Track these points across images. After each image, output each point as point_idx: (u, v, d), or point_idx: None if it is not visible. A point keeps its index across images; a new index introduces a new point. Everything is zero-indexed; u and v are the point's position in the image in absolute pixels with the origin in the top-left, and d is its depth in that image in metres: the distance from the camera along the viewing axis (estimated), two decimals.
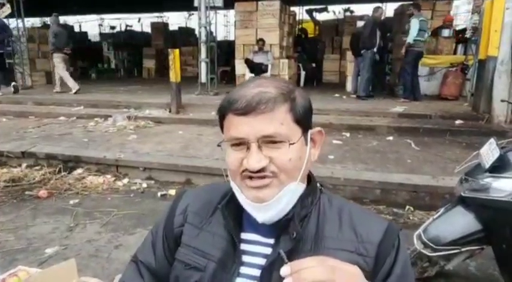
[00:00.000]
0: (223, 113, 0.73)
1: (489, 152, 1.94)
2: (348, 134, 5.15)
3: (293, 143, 0.69)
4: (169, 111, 6.41)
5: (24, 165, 4.27)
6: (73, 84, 8.26)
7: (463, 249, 1.97)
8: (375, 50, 7.14)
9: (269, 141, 0.68)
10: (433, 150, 4.43)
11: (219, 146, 0.75)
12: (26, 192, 3.61)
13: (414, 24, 6.60)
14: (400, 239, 0.75)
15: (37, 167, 4.22)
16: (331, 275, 0.51)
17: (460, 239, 1.94)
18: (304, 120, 0.73)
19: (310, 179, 0.80)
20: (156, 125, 5.92)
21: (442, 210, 2.14)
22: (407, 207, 3.27)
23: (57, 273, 1.59)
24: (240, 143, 0.70)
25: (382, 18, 7.61)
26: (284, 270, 0.52)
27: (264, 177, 0.69)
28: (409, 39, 6.64)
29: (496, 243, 1.92)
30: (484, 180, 1.92)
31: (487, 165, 1.90)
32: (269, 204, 0.70)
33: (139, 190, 3.74)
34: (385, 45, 8.17)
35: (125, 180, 3.93)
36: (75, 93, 8.18)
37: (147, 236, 0.90)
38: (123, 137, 5.15)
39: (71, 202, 3.41)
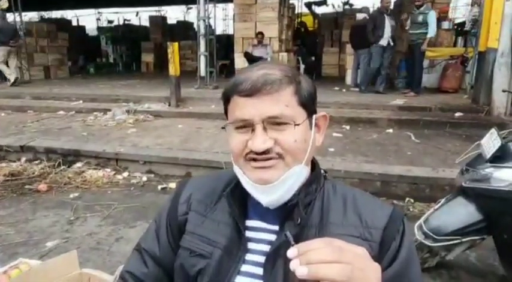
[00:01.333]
0: (228, 96, 0.72)
1: (490, 142, 1.94)
2: (348, 127, 5.14)
3: (298, 124, 0.69)
4: (169, 105, 6.38)
5: (23, 159, 4.26)
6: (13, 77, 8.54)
7: (463, 240, 1.97)
8: (383, 43, 6.73)
9: (274, 122, 0.68)
10: (433, 142, 4.43)
11: (223, 128, 0.74)
12: (26, 186, 3.60)
13: (434, 17, 6.38)
14: (405, 223, 0.75)
15: (36, 161, 4.21)
16: (338, 255, 0.50)
17: (461, 229, 1.94)
18: (308, 104, 0.72)
19: (314, 166, 0.80)
20: (155, 118, 5.90)
21: (443, 200, 2.14)
22: (407, 199, 3.27)
23: (58, 265, 1.59)
24: (245, 125, 0.69)
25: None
26: (291, 251, 0.51)
27: (269, 158, 0.69)
28: (432, 33, 6.38)
29: (496, 233, 1.92)
30: (485, 170, 1.92)
31: (488, 156, 1.90)
32: (274, 186, 0.69)
33: (139, 184, 3.73)
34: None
35: (125, 174, 3.92)
36: (11, 85, 8.39)
37: (151, 224, 0.89)
38: (122, 130, 5.14)
39: (71, 196, 3.41)
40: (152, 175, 3.93)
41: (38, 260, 2.24)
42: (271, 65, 0.72)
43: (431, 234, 1.98)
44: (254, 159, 0.69)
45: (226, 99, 0.73)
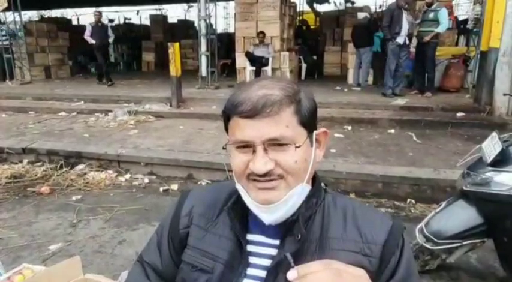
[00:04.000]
0: (228, 115, 0.73)
1: (491, 146, 1.94)
2: (349, 127, 5.14)
3: (299, 146, 0.69)
4: (170, 106, 6.39)
5: (25, 161, 4.28)
6: None
7: (464, 243, 1.98)
8: (400, 40, 6.29)
9: (275, 144, 0.68)
10: (434, 142, 4.43)
11: (224, 148, 0.74)
12: (28, 189, 3.62)
13: (446, 14, 6.25)
14: (405, 237, 0.75)
15: (38, 163, 4.23)
16: (336, 279, 0.51)
17: (462, 232, 1.95)
18: (309, 122, 0.72)
19: (314, 179, 0.80)
20: (156, 119, 5.92)
21: (443, 204, 2.15)
22: (408, 200, 3.28)
23: (62, 271, 1.60)
24: (246, 146, 0.69)
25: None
26: (291, 274, 0.52)
27: (271, 180, 0.69)
28: (441, 29, 6.25)
29: (497, 236, 1.93)
30: (485, 174, 1.92)
31: (489, 160, 1.91)
32: (276, 206, 0.70)
33: (141, 185, 3.75)
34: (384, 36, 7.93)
35: (127, 176, 3.94)
36: None
37: (152, 236, 0.90)
38: (124, 132, 5.15)
39: (74, 198, 3.43)
40: (154, 177, 3.94)
41: (41, 263, 2.27)
42: (271, 83, 0.72)
43: (432, 237, 1.99)
44: (256, 180, 0.70)
45: (227, 118, 0.73)
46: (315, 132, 0.75)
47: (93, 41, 8.50)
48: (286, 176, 0.69)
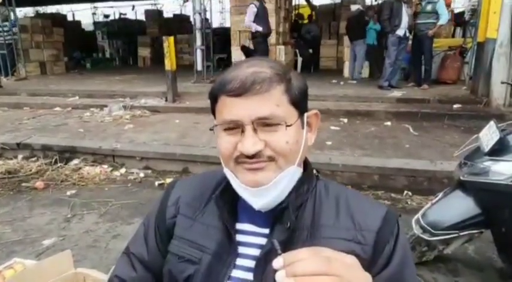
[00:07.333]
0: (215, 96, 0.69)
1: (489, 135, 1.92)
2: (345, 120, 5.11)
3: (290, 125, 0.66)
4: (166, 100, 6.34)
5: (20, 156, 4.24)
6: None
7: (461, 234, 1.96)
8: (400, 33, 6.25)
9: (265, 123, 0.65)
10: (431, 134, 4.41)
11: (211, 130, 0.71)
12: (23, 184, 3.59)
13: (444, 5, 6.20)
14: (400, 225, 0.72)
15: (33, 159, 4.19)
16: (326, 267, 0.48)
17: (459, 223, 1.93)
18: (300, 102, 0.69)
19: (305, 166, 0.77)
20: (152, 114, 5.87)
21: (440, 194, 2.13)
22: (405, 192, 3.26)
23: (52, 265, 1.58)
24: (234, 126, 0.66)
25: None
26: (276, 262, 0.49)
27: (259, 161, 0.66)
28: (444, 21, 6.24)
29: (495, 226, 1.91)
30: (483, 163, 1.90)
31: (487, 149, 1.88)
32: (266, 188, 0.66)
33: (136, 180, 3.72)
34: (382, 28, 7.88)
35: (122, 170, 3.90)
36: None
37: (139, 227, 0.87)
38: (119, 126, 5.11)
39: (68, 193, 3.40)
40: (149, 171, 3.91)
41: (34, 258, 2.24)
42: (260, 62, 0.69)
43: (428, 228, 1.97)
44: (244, 162, 0.66)
45: (214, 99, 0.70)
46: (306, 114, 0.72)
47: (260, 29, 6.02)
48: (277, 158, 0.66)
